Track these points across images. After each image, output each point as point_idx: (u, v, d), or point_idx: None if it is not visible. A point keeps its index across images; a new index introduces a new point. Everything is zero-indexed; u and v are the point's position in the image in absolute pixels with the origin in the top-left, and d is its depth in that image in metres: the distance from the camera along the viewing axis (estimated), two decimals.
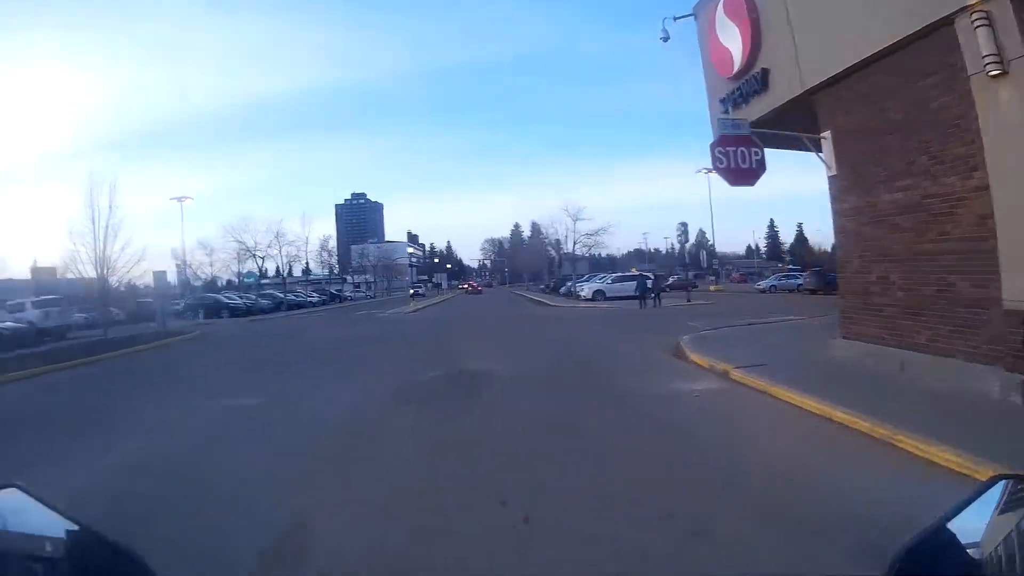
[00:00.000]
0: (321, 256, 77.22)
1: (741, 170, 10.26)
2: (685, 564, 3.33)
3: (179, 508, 4.34)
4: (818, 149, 10.05)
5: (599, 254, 70.27)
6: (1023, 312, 6.11)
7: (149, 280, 30.38)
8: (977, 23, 6.26)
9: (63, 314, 25.75)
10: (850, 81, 8.77)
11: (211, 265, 54.22)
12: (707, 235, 64.61)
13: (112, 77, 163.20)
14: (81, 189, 20.68)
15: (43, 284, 25.74)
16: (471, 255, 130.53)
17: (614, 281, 38.04)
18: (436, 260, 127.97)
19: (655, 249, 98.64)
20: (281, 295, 48.30)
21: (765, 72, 10.64)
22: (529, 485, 4.55)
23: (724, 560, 3.28)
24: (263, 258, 49.87)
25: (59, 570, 1.00)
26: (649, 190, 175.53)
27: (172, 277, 49.04)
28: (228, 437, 6.81)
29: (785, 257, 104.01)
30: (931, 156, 7.49)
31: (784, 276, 47.45)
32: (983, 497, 1.02)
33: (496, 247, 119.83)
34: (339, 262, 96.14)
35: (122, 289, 27.07)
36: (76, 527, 1.00)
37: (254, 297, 45.70)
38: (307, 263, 68.86)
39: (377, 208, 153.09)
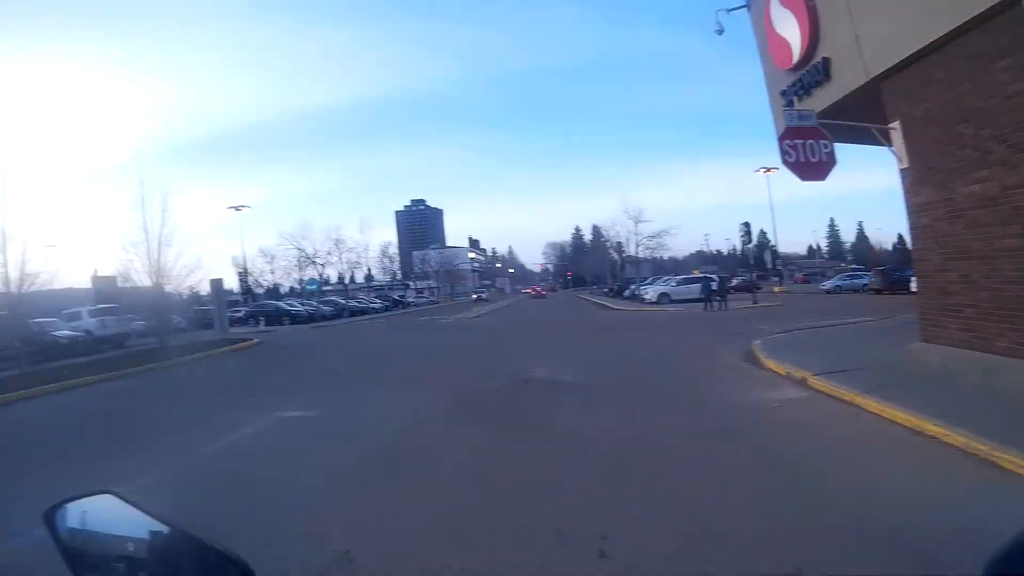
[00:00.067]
0: (383, 262, 78.63)
1: (811, 164, 9.69)
2: None
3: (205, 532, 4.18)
4: (887, 141, 9.40)
5: (661, 256, 69.23)
6: None
7: (222, 287, 30.82)
8: None
9: (120, 322, 26.09)
10: (918, 67, 8.14)
11: (272, 272, 55.95)
12: (768, 235, 62.82)
13: (173, 88, 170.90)
14: (135, 199, 20.85)
15: (103, 293, 26.38)
16: (533, 259, 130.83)
17: (679, 283, 37.18)
18: (498, 265, 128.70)
19: (716, 251, 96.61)
20: (343, 301, 48.90)
21: (826, 61, 10.07)
22: (603, 514, 4.13)
23: None
24: (323, 265, 50.95)
25: (155, 571, 1.04)
26: (708, 191, 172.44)
27: (233, 285, 51.07)
28: (273, 454, 6.51)
29: (847, 257, 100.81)
30: (1009, 145, 6.85)
31: (848, 276, 45.74)
32: None
33: (558, 251, 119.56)
34: (401, 268, 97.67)
35: (183, 297, 27.77)
36: (171, 529, 1.03)
37: (316, 304, 45.66)
38: (369, 269, 70.24)
39: (437, 214, 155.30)
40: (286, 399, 9.92)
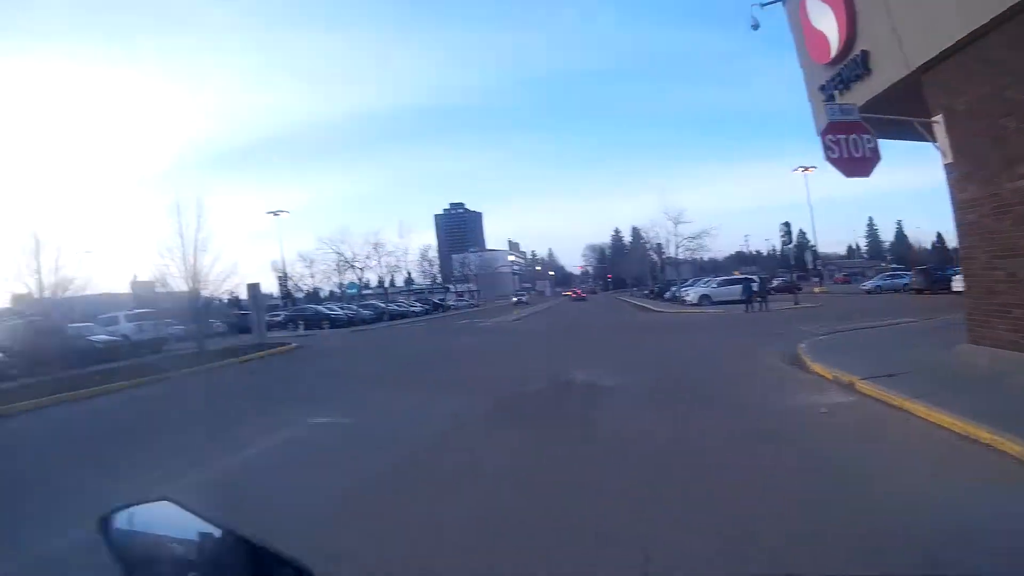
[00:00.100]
0: (422, 266, 79.27)
1: (854, 160, 9.45)
2: None
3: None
4: (931, 136, 9.10)
5: (701, 258, 68.33)
6: None
7: (259, 292, 30.57)
8: None
9: (157, 327, 25.97)
10: (959, 58, 7.87)
11: (312, 277, 56.71)
12: (807, 235, 61.63)
13: (213, 95, 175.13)
14: (170, 205, 21.34)
15: (141, 298, 26.74)
16: (573, 262, 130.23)
17: (720, 285, 36.61)
18: (538, 268, 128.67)
19: (756, 251, 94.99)
20: (383, 305, 49.10)
21: (865, 54, 9.82)
22: (644, 517, 4.03)
23: None
24: (362, 269, 51.43)
25: (214, 574, 1.04)
26: (746, 191, 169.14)
27: (273, 289, 51.97)
28: (304, 462, 6.34)
29: (886, 256, 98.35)
30: None
31: (889, 276, 44.62)
32: None
33: (597, 253, 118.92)
34: (441, 271, 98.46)
35: (222, 301, 28.17)
36: (231, 535, 1.03)
37: (355, 308, 45.22)
38: (408, 273, 70.83)
39: (476, 217, 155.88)
40: (321, 404, 9.86)
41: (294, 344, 24.23)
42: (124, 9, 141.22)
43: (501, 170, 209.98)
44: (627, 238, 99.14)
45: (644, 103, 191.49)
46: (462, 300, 78.93)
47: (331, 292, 64.00)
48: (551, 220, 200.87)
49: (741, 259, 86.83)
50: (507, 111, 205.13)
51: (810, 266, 56.74)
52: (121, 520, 1.08)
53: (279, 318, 39.98)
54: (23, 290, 17.38)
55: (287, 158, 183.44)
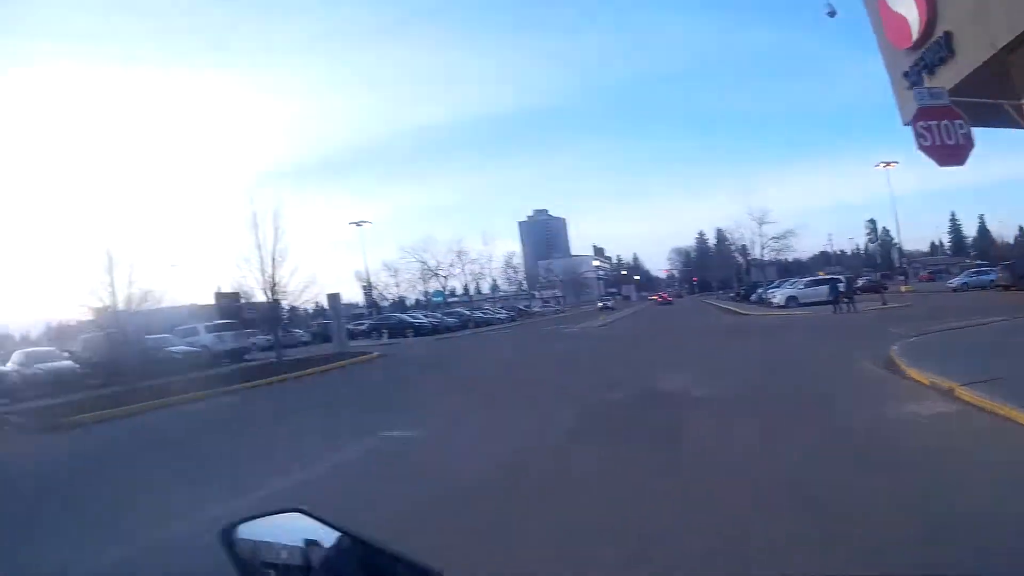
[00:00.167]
0: (507, 273, 79.89)
1: (947, 147, 8.98)
2: None
3: None
4: (1021, 119, 8.49)
5: (786, 258, 65.84)
6: None
7: (339, 302, 30.59)
8: None
9: (237, 337, 26.29)
10: None
11: (397, 286, 57.95)
12: (890, 232, 58.33)
13: (297, 108, 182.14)
14: (247, 217, 20.92)
15: (225, 309, 27.36)
16: (658, 266, 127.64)
17: (806, 286, 35.10)
18: (623, 272, 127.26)
19: (840, 251, 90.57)
20: (467, 313, 48.87)
21: (948, 36, 9.28)
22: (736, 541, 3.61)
23: None
24: (446, 277, 52.11)
25: None
26: (826, 189, 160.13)
27: (359, 298, 53.26)
28: (369, 478, 6.00)
29: (970, 252, 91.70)
30: None
31: (975, 272, 41.58)
32: None
33: (682, 256, 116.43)
34: (526, 278, 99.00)
35: (305, 311, 28.74)
36: (362, 542, 1.04)
37: (440, 316, 44.87)
38: (494, 280, 71.38)
39: (560, 223, 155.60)
40: (399, 415, 9.61)
41: (376, 353, 23.75)
42: (203, 29, 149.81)
43: (584, 175, 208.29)
44: (711, 240, 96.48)
45: (724, 103, 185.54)
46: (548, 306, 78.72)
47: (417, 300, 65.32)
48: (635, 224, 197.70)
49: (826, 259, 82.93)
50: (589, 116, 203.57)
51: (896, 264, 53.82)
52: (246, 531, 1.08)
53: (363, 327, 40.39)
54: (101, 304, 18.11)
55: (371, 170, 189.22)
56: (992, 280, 34.90)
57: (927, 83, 9.76)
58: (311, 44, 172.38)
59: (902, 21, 10.30)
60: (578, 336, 27.53)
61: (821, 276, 40.20)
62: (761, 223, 49.13)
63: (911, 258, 74.57)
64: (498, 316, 52.57)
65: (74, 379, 18.20)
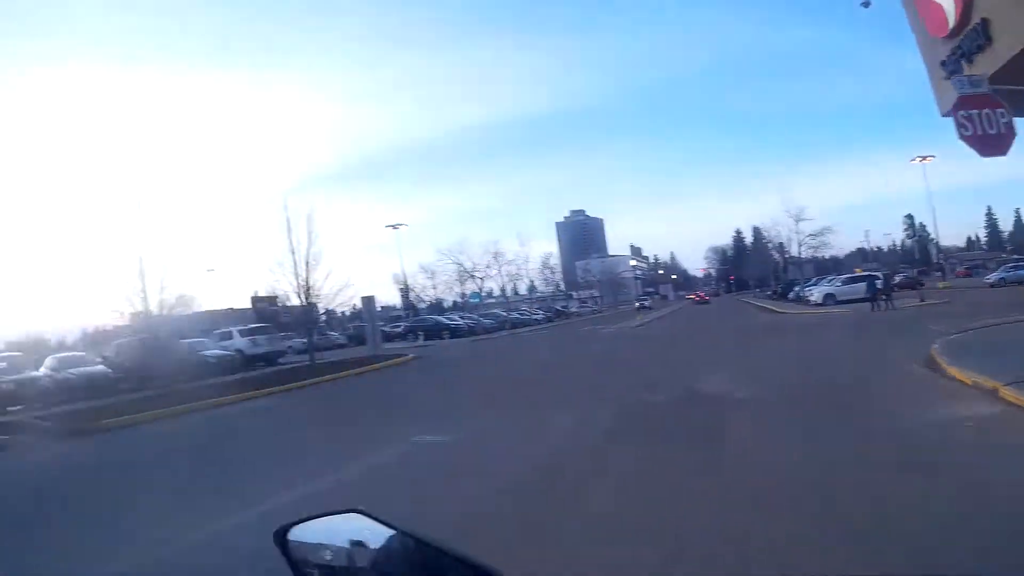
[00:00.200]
0: (544, 274, 79.83)
1: (989, 137, 8.83)
2: None
3: None
4: None
5: (823, 256, 64.64)
6: None
7: (373, 304, 30.03)
8: None
9: (272, 341, 26.29)
10: None
11: (434, 288, 58.18)
12: (927, 228, 56.81)
13: (334, 112, 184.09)
14: (281, 221, 21.29)
15: (261, 312, 27.13)
16: (695, 265, 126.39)
17: (844, 283, 34.58)
18: (660, 272, 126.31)
19: (877, 247, 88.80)
20: (504, 314, 48.94)
21: (985, 23, 9.13)
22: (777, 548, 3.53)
23: None
24: (482, 278, 52.20)
25: None
26: (861, 185, 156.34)
27: (395, 300, 53.45)
28: (398, 484, 5.89)
29: (1006, 247, 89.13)
30: None
31: (1012, 267, 40.45)
32: None
33: (719, 255, 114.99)
34: (564, 279, 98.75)
35: (341, 314, 28.76)
36: (423, 543, 1.03)
37: (476, 317, 45.14)
38: (531, 281, 71.20)
39: (597, 223, 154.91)
40: (432, 420, 9.49)
41: (411, 355, 23.70)
42: (240, 35, 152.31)
43: (620, 176, 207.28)
44: (748, 238, 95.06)
45: (758, 101, 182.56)
46: (585, 306, 78.44)
47: (454, 302, 65.47)
48: (672, 224, 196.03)
49: (863, 256, 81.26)
50: (625, 116, 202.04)
51: (933, 260, 52.55)
52: (301, 533, 1.08)
53: (399, 329, 40.56)
54: (135, 309, 18.38)
55: (407, 173, 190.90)
56: None
57: (966, 71, 9.65)
58: (348, 47, 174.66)
59: (938, 9, 10.17)
60: (615, 336, 27.45)
61: (858, 273, 39.50)
62: (798, 220, 48.55)
63: (948, 253, 72.82)
64: (535, 317, 52.55)
65: (107, 384, 18.48)
